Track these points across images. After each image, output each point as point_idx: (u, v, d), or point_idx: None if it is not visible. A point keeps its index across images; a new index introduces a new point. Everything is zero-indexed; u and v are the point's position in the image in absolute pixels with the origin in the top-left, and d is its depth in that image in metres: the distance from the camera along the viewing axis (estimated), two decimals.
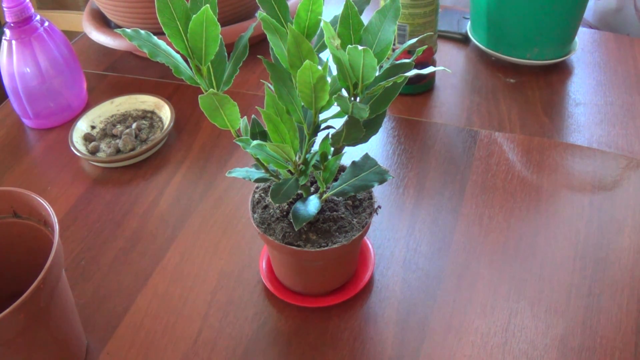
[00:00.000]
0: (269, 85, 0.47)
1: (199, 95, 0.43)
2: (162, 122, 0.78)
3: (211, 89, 0.44)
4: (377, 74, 0.41)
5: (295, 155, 0.47)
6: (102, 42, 0.89)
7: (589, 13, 1.05)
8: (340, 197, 0.54)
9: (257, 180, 0.50)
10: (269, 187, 0.55)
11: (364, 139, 0.47)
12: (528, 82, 0.83)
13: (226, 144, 0.76)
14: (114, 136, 0.77)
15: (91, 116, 0.79)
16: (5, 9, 0.74)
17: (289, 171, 0.48)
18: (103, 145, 0.76)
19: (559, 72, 0.85)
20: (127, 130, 0.76)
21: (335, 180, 0.53)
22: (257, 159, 0.48)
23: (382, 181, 0.48)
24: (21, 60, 0.76)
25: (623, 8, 1.01)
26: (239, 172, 0.50)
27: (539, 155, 0.71)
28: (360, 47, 0.38)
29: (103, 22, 0.94)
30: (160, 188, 0.70)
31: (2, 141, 0.80)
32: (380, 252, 0.61)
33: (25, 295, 0.42)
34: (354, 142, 0.47)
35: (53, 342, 0.48)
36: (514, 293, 0.56)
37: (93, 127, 0.78)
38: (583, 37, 0.91)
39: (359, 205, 0.54)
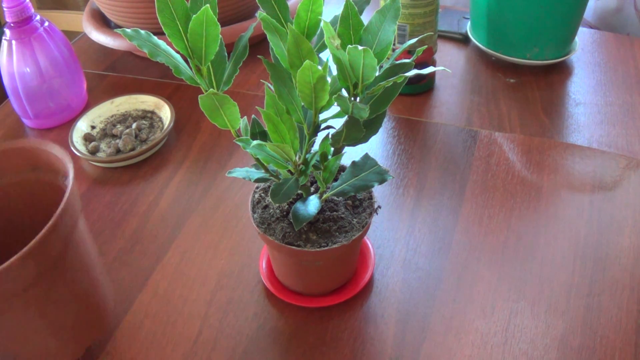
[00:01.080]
0: (269, 85, 0.47)
1: (199, 96, 0.43)
2: (162, 122, 0.78)
3: (211, 89, 0.44)
4: (377, 74, 0.41)
5: (295, 155, 0.47)
6: (102, 42, 0.89)
7: (589, 13, 1.05)
8: (340, 197, 0.54)
9: (257, 180, 0.50)
10: (269, 187, 0.55)
11: (364, 139, 0.47)
12: (528, 82, 0.83)
13: (226, 144, 0.76)
14: (114, 136, 0.77)
15: (91, 116, 0.79)
16: (5, 9, 0.74)
17: (289, 171, 0.48)
18: (103, 145, 0.76)
19: (559, 72, 0.85)
20: (127, 130, 0.76)
21: (335, 180, 0.53)
22: (257, 159, 0.48)
23: (382, 181, 0.48)
24: (21, 60, 0.76)
25: (623, 8, 1.01)
26: (239, 172, 0.50)
27: (539, 155, 0.71)
28: (360, 47, 0.38)
29: (103, 22, 0.94)
30: (160, 188, 0.70)
31: (2, 141, 0.80)
32: (380, 252, 0.61)
33: (35, 241, 0.40)
34: (354, 142, 0.47)
35: (71, 298, 0.46)
36: (514, 293, 0.56)
37: (93, 127, 0.78)
38: (583, 37, 0.91)
39: (359, 205, 0.54)
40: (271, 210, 0.53)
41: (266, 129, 0.46)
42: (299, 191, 0.51)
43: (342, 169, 0.55)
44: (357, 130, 0.45)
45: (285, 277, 0.57)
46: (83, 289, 0.47)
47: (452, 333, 0.54)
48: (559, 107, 0.79)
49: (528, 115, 0.77)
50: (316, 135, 0.47)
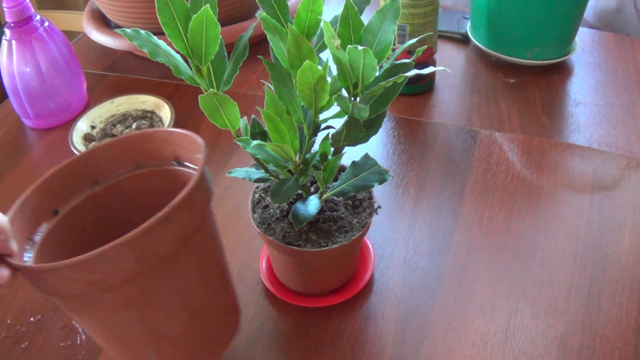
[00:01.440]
0: (269, 85, 0.47)
1: (199, 96, 0.43)
2: (162, 122, 0.78)
3: (211, 89, 0.44)
4: (377, 74, 0.41)
5: (295, 155, 0.47)
6: (102, 42, 0.89)
7: (589, 13, 1.05)
8: (340, 197, 0.54)
9: (257, 180, 0.50)
10: (269, 187, 0.55)
11: (364, 139, 0.47)
12: (528, 82, 0.83)
13: (226, 144, 0.76)
14: (114, 136, 0.77)
15: (91, 116, 0.79)
16: (5, 9, 0.74)
17: (289, 171, 0.48)
18: None
19: (559, 72, 0.85)
20: (127, 130, 0.76)
21: (335, 180, 0.53)
22: (257, 159, 0.48)
23: (382, 181, 0.48)
24: (21, 60, 0.76)
25: (623, 8, 1.01)
26: (239, 172, 0.50)
27: (539, 155, 0.71)
28: (360, 47, 0.38)
29: (103, 22, 0.94)
30: None
31: (2, 141, 0.80)
32: (380, 252, 0.61)
33: (177, 203, 0.37)
34: (354, 142, 0.47)
35: (201, 285, 0.43)
36: (514, 293, 0.56)
37: (93, 127, 0.78)
38: (583, 37, 0.91)
39: (359, 205, 0.54)
40: (271, 210, 0.53)
41: (266, 129, 0.46)
42: (299, 191, 0.51)
43: (342, 169, 0.55)
44: (357, 130, 0.45)
45: (285, 277, 0.57)
46: (211, 284, 0.45)
47: (452, 333, 0.54)
48: (559, 107, 0.79)
49: (528, 115, 0.77)
50: (316, 135, 0.47)
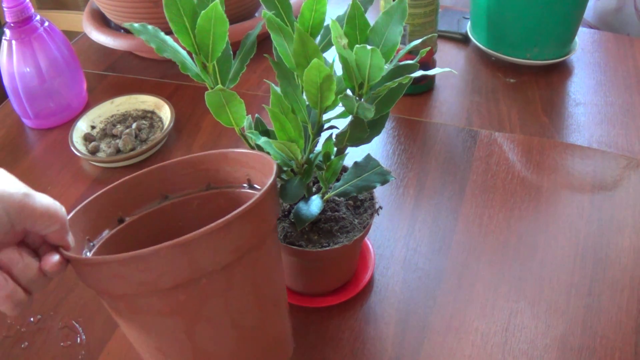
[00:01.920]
0: (273, 85, 0.47)
1: (206, 92, 0.43)
2: (162, 122, 0.78)
3: (218, 85, 0.44)
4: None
5: (300, 155, 0.47)
6: (102, 42, 0.89)
7: (589, 13, 1.05)
8: (342, 198, 0.54)
9: None
10: None
11: (368, 140, 0.47)
12: (528, 82, 0.83)
13: (226, 144, 0.76)
14: (114, 136, 0.77)
15: (91, 116, 0.79)
16: (5, 9, 0.74)
17: (292, 170, 0.48)
18: (103, 145, 0.76)
19: (559, 72, 0.85)
20: (127, 130, 0.76)
21: (337, 180, 0.53)
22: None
23: (384, 182, 0.48)
24: (21, 60, 0.76)
25: (623, 8, 1.01)
26: None
27: (539, 155, 0.71)
28: (368, 47, 0.38)
29: (103, 22, 0.94)
30: None
31: (2, 141, 0.80)
32: (380, 252, 0.61)
33: (247, 207, 0.37)
34: (358, 143, 0.47)
35: (254, 306, 0.41)
36: (514, 293, 0.56)
37: (93, 127, 0.78)
38: (583, 37, 0.91)
39: (361, 205, 0.54)
40: None
41: (270, 127, 0.46)
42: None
43: (343, 169, 0.55)
44: (362, 130, 0.45)
45: (286, 277, 0.57)
46: (267, 309, 0.43)
47: (452, 333, 0.54)
48: (559, 107, 0.79)
49: (528, 115, 0.77)
50: (319, 135, 0.47)
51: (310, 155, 0.48)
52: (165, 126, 0.75)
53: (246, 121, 0.48)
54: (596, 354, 0.51)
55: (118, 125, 0.78)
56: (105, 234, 0.45)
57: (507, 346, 0.52)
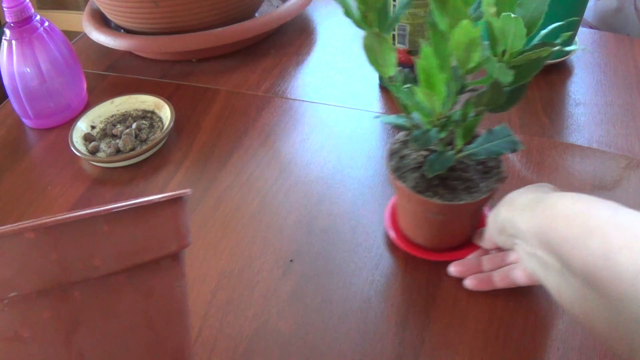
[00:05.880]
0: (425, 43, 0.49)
1: (363, 35, 0.45)
2: (162, 122, 0.78)
3: (374, 28, 0.46)
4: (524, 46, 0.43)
5: (440, 108, 0.48)
6: (102, 42, 0.89)
7: (589, 13, 1.05)
8: (472, 161, 0.56)
9: (400, 128, 0.53)
10: (408, 139, 0.58)
11: (504, 107, 0.49)
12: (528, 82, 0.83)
13: (226, 144, 0.76)
14: (114, 136, 0.77)
15: (91, 116, 0.79)
16: (5, 9, 0.74)
17: (431, 122, 0.50)
18: (103, 145, 0.76)
19: (559, 72, 0.85)
20: (127, 130, 0.76)
21: (470, 144, 0.55)
22: (403, 106, 0.50)
23: (513, 150, 0.51)
24: (21, 60, 0.76)
25: (623, 8, 1.01)
26: (388, 118, 0.53)
27: (539, 155, 0.71)
28: (513, 15, 0.40)
29: (103, 22, 0.94)
30: (160, 188, 0.70)
31: (2, 141, 0.80)
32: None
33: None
34: (494, 109, 0.49)
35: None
36: (514, 293, 0.56)
37: (93, 127, 0.78)
38: (583, 37, 0.91)
39: (489, 171, 0.55)
40: (406, 161, 0.56)
41: (416, 82, 0.48)
42: (435, 148, 0.53)
43: (477, 135, 0.57)
44: (500, 94, 0.47)
45: (408, 227, 0.59)
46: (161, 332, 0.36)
47: (452, 333, 0.53)
48: (559, 107, 0.79)
49: (528, 115, 0.77)
50: (460, 94, 0.49)
51: (450, 113, 0.50)
52: (165, 126, 0.75)
53: (397, 72, 0.50)
54: (596, 353, 0.51)
55: (118, 125, 0.78)
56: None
57: (507, 346, 0.52)
